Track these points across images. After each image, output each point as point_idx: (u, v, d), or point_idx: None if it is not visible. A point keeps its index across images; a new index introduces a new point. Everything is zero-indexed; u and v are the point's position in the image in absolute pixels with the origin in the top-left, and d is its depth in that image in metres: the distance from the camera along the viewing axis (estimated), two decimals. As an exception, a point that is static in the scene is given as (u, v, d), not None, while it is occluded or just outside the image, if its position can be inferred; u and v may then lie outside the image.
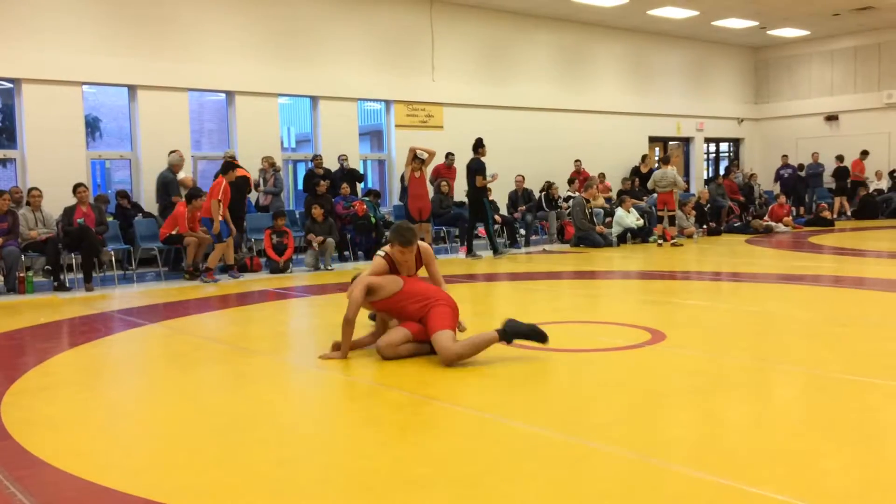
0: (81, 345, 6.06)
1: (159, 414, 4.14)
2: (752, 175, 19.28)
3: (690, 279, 9.22)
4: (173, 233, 10.32)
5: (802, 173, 19.94)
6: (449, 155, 14.11)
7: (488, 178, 12.14)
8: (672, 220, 13.80)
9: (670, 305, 7.33)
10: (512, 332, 4.82)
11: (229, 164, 10.50)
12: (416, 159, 11.84)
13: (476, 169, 11.97)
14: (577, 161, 16.91)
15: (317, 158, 13.37)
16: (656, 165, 14.61)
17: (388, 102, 15.43)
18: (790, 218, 17.01)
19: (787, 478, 2.90)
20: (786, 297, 7.67)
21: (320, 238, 11.13)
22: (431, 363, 4.87)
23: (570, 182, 16.30)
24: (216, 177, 10.76)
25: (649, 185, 14.26)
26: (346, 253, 12.33)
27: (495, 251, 12.31)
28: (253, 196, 12.88)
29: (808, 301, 7.36)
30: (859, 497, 2.76)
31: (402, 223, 5.54)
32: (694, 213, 15.36)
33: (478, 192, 12.04)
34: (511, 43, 17.09)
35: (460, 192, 14.32)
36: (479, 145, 12.20)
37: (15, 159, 11.74)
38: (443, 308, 5.06)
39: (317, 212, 11.28)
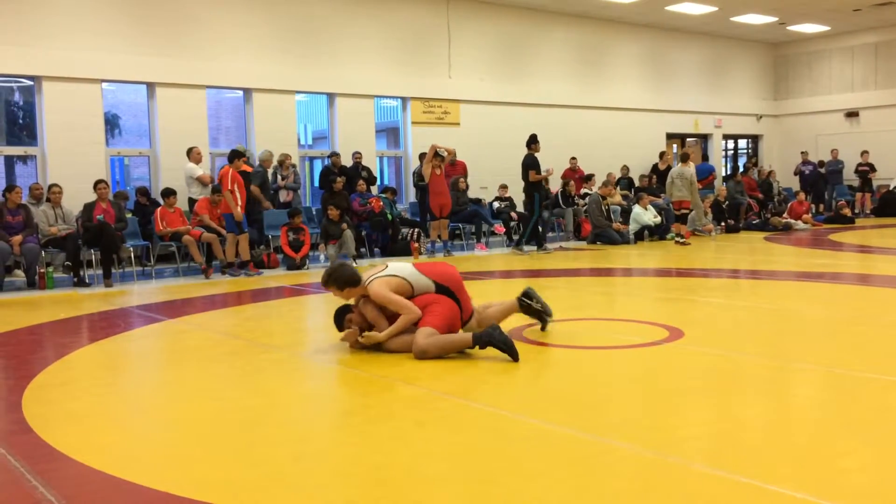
0: (101, 340, 6.12)
1: (178, 409, 4.17)
2: (769, 172, 19.13)
3: (708, 277, 9.17)
4: (163, 229, 10.48)
5: (823, 170, 19.78)
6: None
7: (543, 173, 12.26)
8: (685, 218, 13.75)
9: (688, 303, 7.29)
10: (487, 341, 4.75)
11: (235, 153, 10.59)
12: (437, 156, 11.90)
13: (528, 164, 12.14)
14: (572, 159, 16.53)
15: (334, 156, 13.41)
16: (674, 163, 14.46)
17: (404, 99, 15.44)
18: (809, 215, 16.87)
19: (805, 476, 2.88)
20: (805, 295, 7.61)
21: (343, 225, 11.24)
22: (445, 360, 4.87)
23: (587, 180, 16.20)
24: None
25: (667, 185, 14.00)
26: (363, 249, 12.36)
27: (518, 244, 12.32)
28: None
29: (827, 299, 7.30)
30: (878, 496, 2.74)
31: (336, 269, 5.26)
32: (710, 210, 15.27)
33: (531, 187, 12.20)
34: (528, 39, 17.05)
35: (471, 189, 14.38)
36: (532, 141, 12.33)
37: (35, 156, 11.85)
38: (438, 308, 5.06)
39: (333, 212, 11.35)
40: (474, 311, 5.39)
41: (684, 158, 13.97)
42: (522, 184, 12.38)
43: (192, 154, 11.85)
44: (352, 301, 5.39)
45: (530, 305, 5.49)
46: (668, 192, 13.91)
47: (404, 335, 5.08)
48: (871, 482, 2.86)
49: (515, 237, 14.45)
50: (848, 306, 6.85)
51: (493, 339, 4.74)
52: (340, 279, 5.16)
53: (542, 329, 5.59)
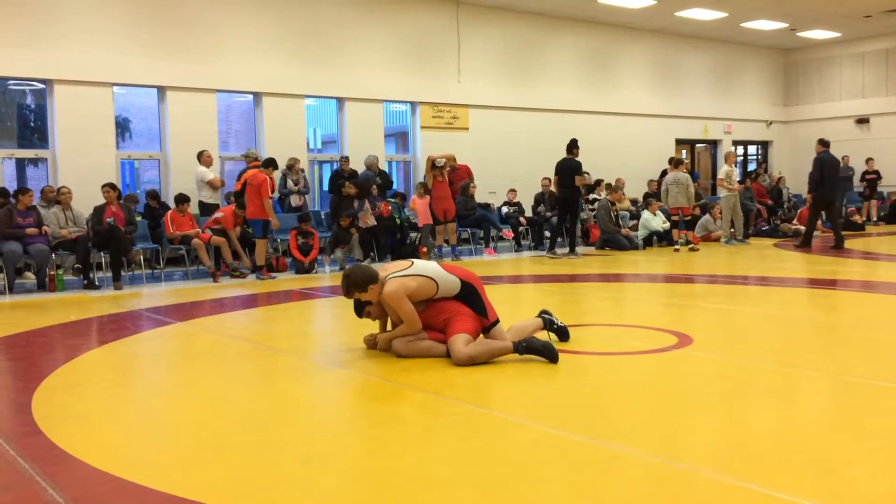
0: (110, 342, 6.14)
1: (187, 411, 4.18)
2: (779, 178, 19.05)
3: (717, 283, 9.15)
4: (172, 232, 10.51)
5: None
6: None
7: (585, 178, 12.40)
8: (689, 224, 13.73)
9: (697, 309, 7.27)
10: (525, 347, 4.87)
11: (271, 161, 10.78)
12: (434, 167, 11.93)
13: (577, 168, 12.18)
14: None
15: (344, 160, 13.45)
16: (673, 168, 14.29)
17: (413, 104, 15.47)
18: (819, 222, 16.77)
19: (815, 484, 2.87)
20: (814, 301, 7.58)
21: (352, 229, 11.22)
22: (453, 366, 4.87)
23: (596, 185, 16.14)
24: (241, 173, 11.00)
25: (662, 193, 13.95)
26: (372, 254, 12.37)
27: (572, 249, 12.43)
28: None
29: (836, 306, 7.27)
30: (890, 505, 2.72)
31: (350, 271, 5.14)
32: (720, 216, 15.21)
33: (573, 191, 12.25)
34: (537, 44, 17.05)
35: (480, 194, 14.36)
36: (573, 146, 12.35)
37: (46, 159, 11.92)
38: (464, 317, 5.08)
39: (345, 221, 11.41)
40: (498, 321, 5.23)
41: (677, 164, 13.91)
42: (536, 187, 12.35)
43: (203, 157, 11.89)
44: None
45: (552, 321, 5.54)
46: (663, 200, 13.89)
47: (419, 342, 5.09)
48: (880, 490, 2.85)
49: (525, 242, 14.46)
50: (857, 313, 6.82)
51: (533, 345, 4.86)
52: (360, 282, 5.02)
53: (561, 340, 5.53)
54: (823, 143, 13.14)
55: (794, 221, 16.44)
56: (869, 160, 19.32)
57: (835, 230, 12.93)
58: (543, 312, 5.63)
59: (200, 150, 11.95)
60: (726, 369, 4.73)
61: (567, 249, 12.54)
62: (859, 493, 2.82)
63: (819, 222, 16.67)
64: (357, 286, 5.05)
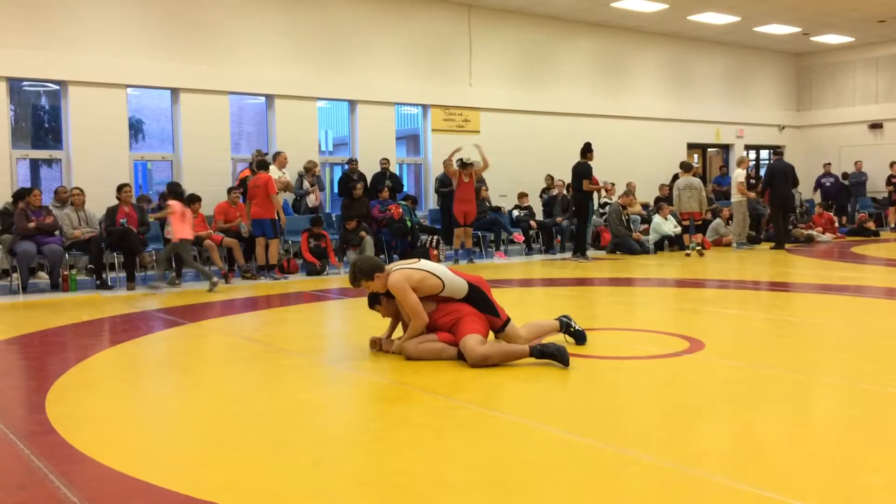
0: (123, 343, 6.17)
1: (199, 412, 4.20)
2: (791, 183, 18.95)
3: (729, 288, 9.11)
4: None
5: (846, 182, 19.58)
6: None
7: (600, 184, 12.35)
8: (700, 228, 13.69)
9: (709, 314, 7.24)
10: (540, 352, 4.87)
11: (265, 163, 10.86)
12: (464, 166, 11.93)
13: (582, 173, 12.16)
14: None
15: (352, 162, 13.47)
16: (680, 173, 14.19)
17: (425, 107, 15.48)
18: (836, 226, 16.72)
19: (828, 491, 2.85)
20: (827, 307, 7.54)
21: (362, 232, 11.26)
22: (464, 369, 4.87)
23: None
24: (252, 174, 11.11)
25: (675, 198, 13.80)
26: (382, 256, 12.39)
27: (583, 253, 12.42)
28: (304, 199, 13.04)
29: (850, 312, 7.22)
30: (904, 513, 2.70)
31: (360, 261, 5.27)
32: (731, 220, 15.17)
33: (584, 195, 12.25)
34: (549, 48, 17.04)
35: (490, 196, 14.38)
36: (586, 150, 12.34)
37: (60, 160, 11.99)
38: (474, 317, 5.10)
39: (350, 224, 11.44)
40: (510, 320, 5.32)
41: (687, 168, 13.81)
42: (541, 190, 12.33)
43: (279, 158, 11.96)
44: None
45: (570, 324, 5.54)
46: (675, 205, 13.80)
47: (427, 343, 5.09)
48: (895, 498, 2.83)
49: (535, 245, 14.46)
50: (872, 319, 6.77)
51: (546, 349, 4.86)
52: (366, 270, 5.15)
53: (578, 343, 5.56)
54: (776, 153, 14.94)
55: (806, 225, 16.38)
56: (894, 164, 19.18)
57: (776, 231, 14.18)
58: (562, 317, 5.64)
59: (277, 152, 12.07)
60: (738, 374, 4.71)
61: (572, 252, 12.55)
62: (874, 501, 2.80)
63: (836, 226, 16.64)
64: (363, 273, 5.15)
